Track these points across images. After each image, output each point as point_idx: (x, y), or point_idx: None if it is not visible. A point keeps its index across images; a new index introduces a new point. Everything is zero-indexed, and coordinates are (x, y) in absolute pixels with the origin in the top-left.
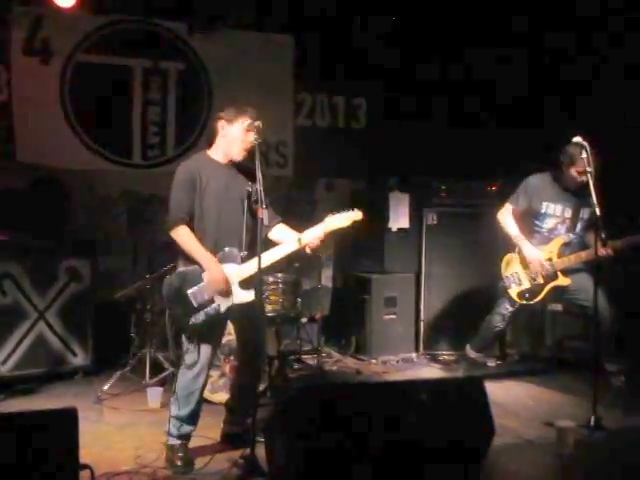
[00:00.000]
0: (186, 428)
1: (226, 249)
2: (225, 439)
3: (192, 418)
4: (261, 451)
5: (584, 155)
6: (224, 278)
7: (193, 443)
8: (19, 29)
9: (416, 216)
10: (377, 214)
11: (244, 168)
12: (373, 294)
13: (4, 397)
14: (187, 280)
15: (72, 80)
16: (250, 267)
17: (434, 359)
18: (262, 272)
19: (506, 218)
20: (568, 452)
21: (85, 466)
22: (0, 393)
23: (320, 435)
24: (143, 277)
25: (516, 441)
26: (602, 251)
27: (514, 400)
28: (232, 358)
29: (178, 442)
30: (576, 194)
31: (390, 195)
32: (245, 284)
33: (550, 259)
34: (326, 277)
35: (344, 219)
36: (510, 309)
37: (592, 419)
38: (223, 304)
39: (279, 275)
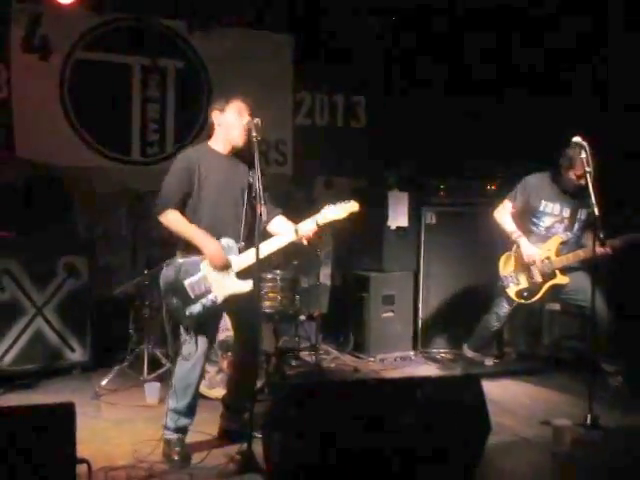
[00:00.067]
0: (183, 421)
1: (223, 240)
2: (222, 435)
3: (189, 411)
4: (258, 447)
5: (583, 155)
6: (221, 251)
7: (190, 438)
8: (18, 26)
9: (415, 215)
10: (376, 212)
11: (245, 159)
12: (371, 292)
13: (2, 392)
14: (184, 271)
15: (71, 77)
16: (247, 258)
17: (432, 357)
18: (259, 263)
19: (503, 216)
20: (564, 450)
21: (82, 460)
22: None
23: (316, 432)
24: (142, 273)
25: (513, 439)
26: (600, 250)
27: (511, 398)
28: (230, 354)
29: (175, 436)
30: (574, 196)
31: (389, 194)
32: (242, 275)
33: (548, 257)
34: (324, 275)
35: (340, 210)
36: (508, 308)
37: (589, 418)
38: (220, 295)
39: (278, 272)
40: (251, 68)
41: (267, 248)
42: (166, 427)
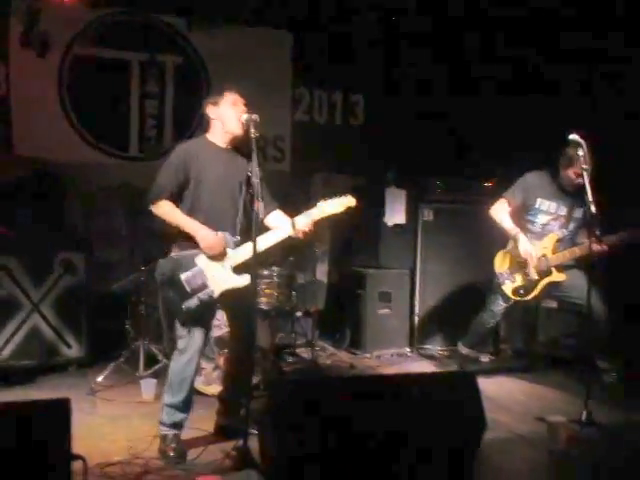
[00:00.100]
0: (179, 415)
1: (219, 233)
2: (218, 431)
3: (185, 405)
4: (254, 443)
5: (581, 153)
6: (216, 239)
7: (186, 434)
8: (17, 22)
9: (412, 212)
10: (373, 209)
11: (243, 153)
12: (368, 289)
13: None
14: (180, 265)
15: (70, 74)
16: (244, 252)
17: (428, 354)
18: (256, 257)
19: (499, 213)
20: (559, 447)
21: (78, 457)
22: None
23: (312, 428)
24: (139, 270)
25: (508, 436)
26: (597, 247)
27: (506, 395)
28: (226, 351)
29: (171, 432)
30: (572, 194)
31: (386, 191)
32: (238, 269)
33: (544, 255)
34: (321, 271)
35: (337, 205)
36: (503, 306)
37: (583, 414)
38: (216, 289)
39: (274, 269)
40: (250, 65)
41: (264, 242)
42: (162, 422)
